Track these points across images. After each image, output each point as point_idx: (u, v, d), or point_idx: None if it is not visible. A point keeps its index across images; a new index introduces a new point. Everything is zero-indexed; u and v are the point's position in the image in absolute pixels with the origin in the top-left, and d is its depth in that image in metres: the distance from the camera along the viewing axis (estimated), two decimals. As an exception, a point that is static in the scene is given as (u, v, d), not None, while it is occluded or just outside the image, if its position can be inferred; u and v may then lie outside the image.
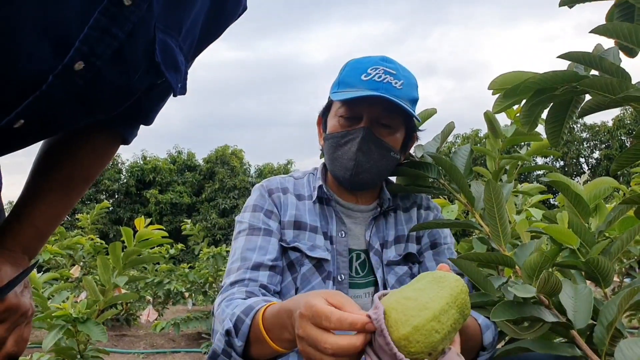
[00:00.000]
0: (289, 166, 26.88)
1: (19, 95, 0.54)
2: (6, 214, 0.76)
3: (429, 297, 0.61)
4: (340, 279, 1.03)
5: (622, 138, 21.31)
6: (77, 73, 0.54)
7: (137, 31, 0.56)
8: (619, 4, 0.85)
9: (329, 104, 1.10)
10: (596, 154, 23.51)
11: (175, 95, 0.69)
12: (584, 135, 23.69)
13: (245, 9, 0.74)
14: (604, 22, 0.89)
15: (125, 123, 0.76)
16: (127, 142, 0.80)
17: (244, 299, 0.90)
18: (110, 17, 0.53)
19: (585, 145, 23.79)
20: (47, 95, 0.54)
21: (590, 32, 0.77)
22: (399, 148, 1.07)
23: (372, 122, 1.01)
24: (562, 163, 23.69)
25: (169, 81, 0.64)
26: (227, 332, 0.83)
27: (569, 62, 0.89)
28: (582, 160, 24.11)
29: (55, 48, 0.52)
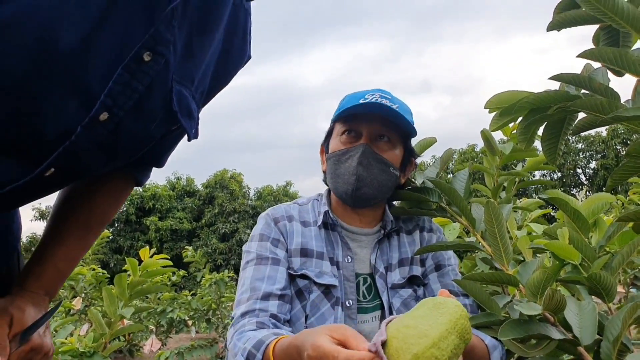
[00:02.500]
0: (288, 187, 26.88)
1: (51, 146, 0.58)
2: None
3: (429, 324, 0.62)
4: (348, 305, 1.04)
5: (617, 147, 21.43)
6: (101, 123, 0.59)
7: (155, 83, 0.61)
8: (604, 27, 0.89)
9: (331, 129, 1.14)
10: (593, 164, 23.60)
11: (189, 140, 0.74)
12: (580, 146, 23.81)
13: (249, 58, 0.81)
14: (595, 34, 0.93)
15: (139, 167, 0.81)
16: (140, 184, 0.84)
17: (255, 329, 0.92)
18: (131, 72, 0.58)
19: (581, 156, 23.89)
20: (75, 145, 0.59)
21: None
22: (399, 166, 1.10)
23: (372, 139, 1.06)
24: (559, 174, 23.75)
25: (185, 128, 0.69)
26: None
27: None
28: (579, 171, 24.19)
29: (83, 103, 0.57)
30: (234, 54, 0.76)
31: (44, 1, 0.49)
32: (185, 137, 0.75)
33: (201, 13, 0.66)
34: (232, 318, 1.00)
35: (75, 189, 0.79)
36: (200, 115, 0.77)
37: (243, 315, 0.97)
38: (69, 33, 0.51)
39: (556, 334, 0.78)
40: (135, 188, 0.87)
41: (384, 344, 0.63)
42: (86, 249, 0.81)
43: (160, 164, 0.82)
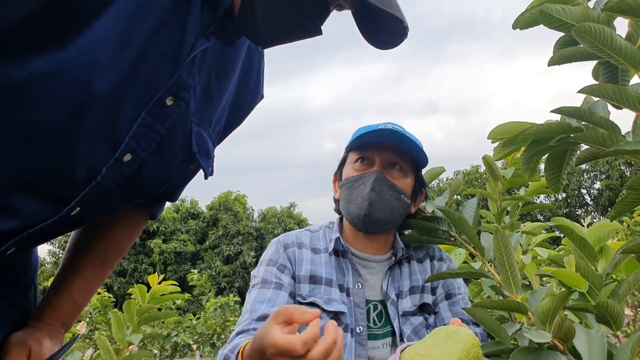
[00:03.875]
0: (292, 209, 26.86)
1: (78, 187, 0.61)
2: None
3: (442, 353, 0.64)
4: (358, 331, 1.06)
5: (622, 168, 21.38)
6: (125, 164, 0.62)
7: (177, 126, 0.65)
8: (602, 62, 0.93)
9: (344, 158, 1.19)
10: (597, 185, 23.51)
11: (206, 178, 0.77)
12: (584, 166, 23.77)
13: (262, 97, 0.84)
14: (594, 69, 0.97)
15: (154, 201, 0.84)
16: (155, 217, 0.87)
17: None
18: (154, 116, 0.61)
19: (585, 177, 23.84)
20: (100, 185, 0.62)
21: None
22: (410, 194, 1.13)
23: (384, 166, 1.10)
24: (564, 195, 23.66)
25: (203, 167, 0.72)
26: None
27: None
28: (583, 191, 24.09)
29: (110, 146, 0.60)
30: (248, 94, 0.81)
31: (82, 54, 0.52)
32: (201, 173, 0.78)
33: (219, 58, 0.69)
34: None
35: (93, 223, 0.81)
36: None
37: (238, 333, 0.99)
38: (103, 83, 0.55)
39: (566, 363, 0.79)
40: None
41: None
42: (102, 281, 0.83)
43: (174, 198, 0.85)
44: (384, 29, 0.65)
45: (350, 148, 1.15)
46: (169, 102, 0.61)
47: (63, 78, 0.52)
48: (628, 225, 2.66)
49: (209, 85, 0.69)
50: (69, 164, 0.58)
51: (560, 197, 23.37)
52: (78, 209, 0.62)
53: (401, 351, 0.68)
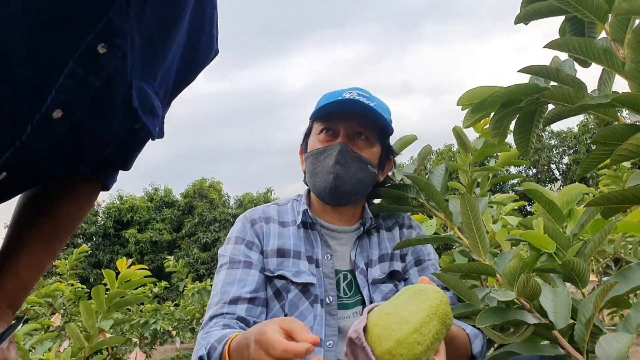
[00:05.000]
0: (268, 194, 26.76)
1: (3, 150, 0.54)
2: None
3: (409, 311, 0.63)
4: (328, 301, 1.04)
5: (588, 142, 21.96)
6: (56, 122, 0.55)
7: (114, 78, 0.57)
8: (569, 19, 0.91)
9: (309, 129, 1.15)
10: (565, 160, 24.14)
11: (153, 139, 0.70)
12: (553, 142, 24.34)
13: (217, 53, 0.78)
14: (561, 26, 0.96)
15: (105, 170, 0.77)
16: (107, 188, 0.80)
17: (221, 330, 0.92)
18: (85, 66, 0.54)
19: (554, 152, 24.42)
20: (27, 146, 0.55)
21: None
22: (377, 163, 1.11)
23: (349, 137, 1.07)
24: (534, 171, 24.22)
25: (147, 126, 0.65)
26: (200, 359, 0.87)
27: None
28: (553, 166, 24.71)
29: (38, 102, 0.53)
30: (201, 49, 0.74)
31: None
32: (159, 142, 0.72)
33: (163, 9, 0.62)
34: (203, 321, 0.99)
35: (38, 194, 0.75)
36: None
37: (211, 318, 0.97)
38: (16, 25, 0.48)
39: (532, 319, 0.79)
40: (113, 201, 0.82)
41: (365, 331, 0.63)
42: (53, 258, 0.76)
43: (127, 166, 0.79)
44: None
45: (314, 117, 1.12)
46: (101, 49, 0.54)
47: None
48: (594, 196, 2.72)
49: (152, 36, 0.62)
50: None
51: (530, 172, 23.93)
52: (4, 174, 0.56)
53: (368, 312, 0.67)
